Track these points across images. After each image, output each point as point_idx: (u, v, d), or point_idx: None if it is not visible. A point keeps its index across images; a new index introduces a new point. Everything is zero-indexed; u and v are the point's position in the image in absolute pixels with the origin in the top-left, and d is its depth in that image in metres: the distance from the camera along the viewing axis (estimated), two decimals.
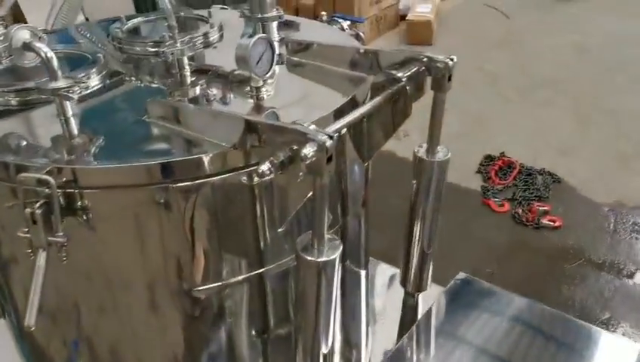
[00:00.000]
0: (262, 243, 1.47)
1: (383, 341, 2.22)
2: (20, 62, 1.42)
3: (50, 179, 1.18)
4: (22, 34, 1.40)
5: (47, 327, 1.60)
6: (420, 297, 2.06)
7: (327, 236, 1.27)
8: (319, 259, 1.26)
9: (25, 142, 1.41)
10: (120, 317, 1.54)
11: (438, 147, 1.69)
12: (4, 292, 1.62)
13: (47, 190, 1.20)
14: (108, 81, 1.67)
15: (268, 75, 1.51)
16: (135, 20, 2.01)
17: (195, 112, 1.38)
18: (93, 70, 1.64)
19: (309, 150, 1.12)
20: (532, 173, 4.37)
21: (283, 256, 1.52)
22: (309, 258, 1.26)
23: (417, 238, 1.82)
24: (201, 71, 1.68)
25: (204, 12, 2.06)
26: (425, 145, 1.70)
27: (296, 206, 1.36)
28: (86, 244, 1.37)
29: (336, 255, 1.27)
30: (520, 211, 3.97)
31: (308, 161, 1.12)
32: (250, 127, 1.26)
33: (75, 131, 1.39)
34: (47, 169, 1.21)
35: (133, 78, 1.72)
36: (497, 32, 7.15)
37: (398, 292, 2.10)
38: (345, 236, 1.76)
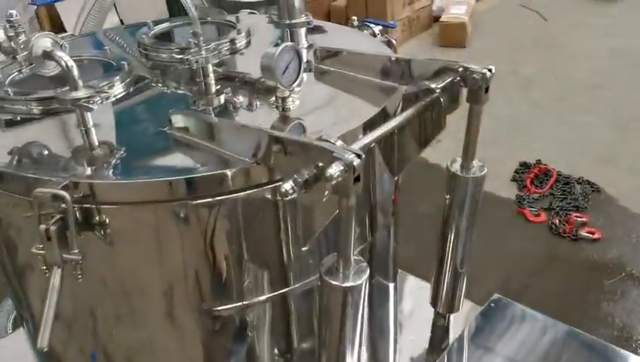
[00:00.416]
0: (286, 262, 1.40)
1: (412, 358, 2.13)
2: (41, 71, 1.38)
3: (66, 194, 1.14)
4: (42, 42, 1.36)
5: (64, 339, 1.56)
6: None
7: (353, 258, 1.20)
8: (344, 284, 1.19)
9: (45, 153, 1.38)
10: (138, 332, 1.48)
11: (474, 162, 1.60)
12: (22, 301, 1.59)
13: (62, 205, 1.15)
14: (132, 89, 1.63)
15: (294, 86, 1.44)
16: (162, 26, 1.98)
17: (217, 125, 1.32)
18: (117, 78, 1.60)
19: (334, 170, 1.04)
20: (570, 181, 4.23)
21: (309, 275, 1.45)
22: (334, 282, 1.19)
23: (450, 256, 1.73)
24: (228, 78, 1.63)
25: (232, 17, 2.01)
26: (459, 160, 1.61)
27: (322, 224, 1.29)
28: (103, 260, 1.33)
29: (363, 279, 1.20)
30: (557, 222, 3.84)
31: (333, 182, 1.05)
32: (273, 141, 1.20)
33: (96, 142, 1.35)
34: (63, 184, 1.16)
35: (159, 85, 1.68)
36: (533, 34, 6.98)
37: (428, 307, 2.02)
38: (373, 248, 1.68)
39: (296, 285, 1.44)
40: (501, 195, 4.18)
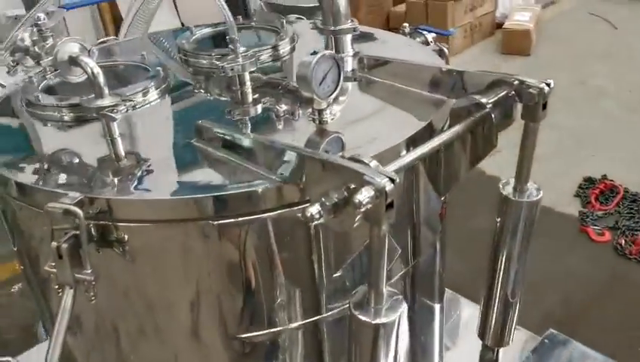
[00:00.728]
0: (318, 289, 1.30)
1: None
2: (67, 77, 1.32)
3: (78, 210, 1.06)
4: (69, 47, 1.30)
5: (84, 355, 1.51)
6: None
7: (386, 291, 1.08)
8: (375, 321, 1.07)
9: (69, 163, 1.32)
10: (161, 355, 1.41)
11: (528, 184, 1.45)
12: (45, 313, 1.54)
13: (76, 221, 1.08)
14: (167, 96, 1.57)
15: (332, 97, 1.34)
16: (204, 30, 1.92)
17: (244, 139, 1.23)
18: (152, 84, 1.54)
19: (364, 196, 0.93)
20: (638, 199, 3.99)
21: (343, 303, 1.33)
22: (364, 318, 1.07)
23: (500, 285, 1.58)
24: (271, 85, 1.55)
25: (279, 22, 1.92)
26: (512, 182, 1.47)
27: (355, 249, 1.19)
28: (123, 280, 1.25)
29: (397, 316, 1.07)
30: (622, 242, 3.60)
31: (363, 208, 0.93)
32: (304, 159, 1.09)
33: (122, 152, 1.28)
34: (77, 199, 1.09)
35: (196, 92, 1.62)
36: (603, 43, 6.66)
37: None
38: (416, 267, 1.55)
39: (330, 313, 1.33)
40: (563, 211, 3.96)
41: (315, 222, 0.99)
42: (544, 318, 3.04)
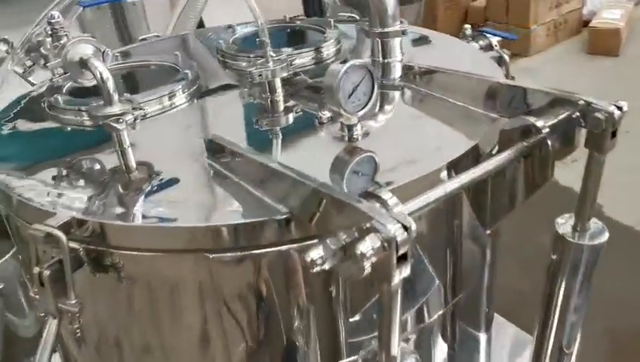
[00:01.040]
0: (335, 333, 1.14)
1: None
2: (76, 81, 1.22)
3: (61, 235, 0.95)
4: (81, 48, 1.20)
5: None
6: None
7: (400, 351, 0.91)
8: None
9: (78, 173, 1.22)
10: None
11: (590, 222, 1.24)
12: None
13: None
14: (196, 101, 1.45)
15: (363, 112, 1.18)
16: (246, 30, 1.80)
17: (251, 163, 1.07)
18: (179, 87, 1.44)
19: (367, 246, 0.76)
20: None
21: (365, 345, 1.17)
22: None
23: (554, 332, 1.35)
24: (314, 89, 1.41)
25: (327, 22, 1.78)
26: (572, 219, 1.25)
27: (373, 294, 1.02)
28: (118, 309, 1.14)
29: None
30: None
31: (366, 262, 0.77)
32: (316, 191, 0.94)
33: (133, 164, 1.17)
34: (64, 221, 0.98)
35: (237, 95, 1.52)
36: None
37: None
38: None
39: (349, 358, 1.18)
40: None
41: (318, 269, 0.84)
42: (613, 350, 2.78)
